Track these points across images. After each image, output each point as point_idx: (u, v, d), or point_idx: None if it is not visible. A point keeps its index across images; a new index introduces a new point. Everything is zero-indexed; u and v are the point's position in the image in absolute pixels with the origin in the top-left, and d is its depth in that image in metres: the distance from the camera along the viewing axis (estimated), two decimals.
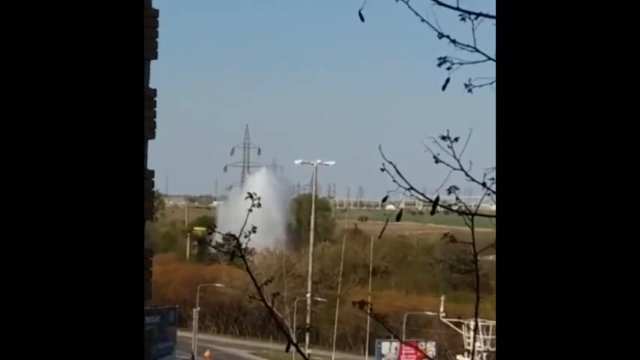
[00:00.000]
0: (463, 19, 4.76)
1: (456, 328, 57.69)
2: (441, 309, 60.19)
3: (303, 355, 5.85)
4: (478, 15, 4.77)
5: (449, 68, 4.78)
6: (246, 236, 4.90)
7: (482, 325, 49.88)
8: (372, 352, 64.61)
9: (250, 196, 4.95)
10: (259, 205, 4.93)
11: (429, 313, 64.90)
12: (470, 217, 4.91)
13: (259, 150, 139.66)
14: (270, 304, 5.21)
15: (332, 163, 75.29)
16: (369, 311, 5.13)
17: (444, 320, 59.89)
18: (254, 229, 4.85)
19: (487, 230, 5.60)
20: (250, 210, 4.91)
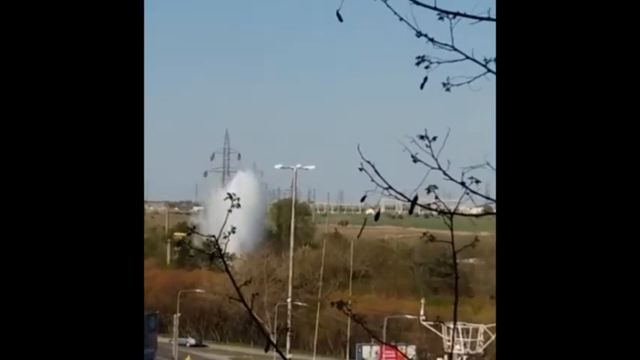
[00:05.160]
0: (441, 18, 4.77)
1: (436, 332, 57.75)
2: (421, 312, 60.25)
3: (282, 356, 5.84)
4: (456, 14, 4.78)
5: (427, 67, 4.78)
6: (225, 237, 4.89)
7: (462, 328, 49.94)
8: (352, 356, 64.61)
9: (230, 196, 4.94)
10: (239, 205, 4.92)
11: (409, 316, 65.02)
12: (449, 216, 4.91)
13: (239, 155, 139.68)
14: (249, 306, 5.19)
15: (312, 167, 75.35)
16: (347, 311, 5.12)
17: (424, 323, 59.96)
18: (233, 230, 4.84)
19: (466, 233, 5.61)
20: (230, 210, 4.89)
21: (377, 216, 5.17)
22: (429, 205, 4.94)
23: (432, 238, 5.28)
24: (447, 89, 4.89)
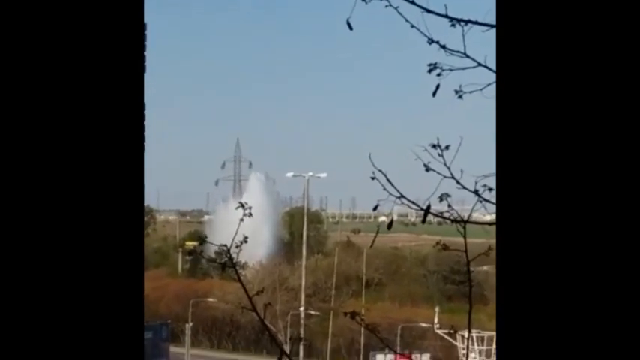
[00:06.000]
0: (453, 25, 4.75)
1: (450, 339, 57.60)
2: (436, 320, 60.07)
3: None
4: (467, 22, 4.76)
5: (439, 74, 4.76)
6: (237, 246, 4.86)
7: (476, 336, 49.81)
8: None
9: (241, 205, 4.92)
10: (250, 214, 4.90)
11: (424, 324, 64.82)
12: (462, 224, 4.88)
13: (250, 163, 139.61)
14: (262, 315, 5.16)
15: (324, 175, 75.39)
16: (360, 321, 5.09)
17: (439, 331, 59.80)
18: (245, 239, 4.81)
19: (479, 240, 5.59)
20: (242, 220, 4.88)
21: (390, 225, 5.15)
22: (442, 213, 4.91)
23: (446, 247, 5.25)
24: (460, 96, 4.87)
